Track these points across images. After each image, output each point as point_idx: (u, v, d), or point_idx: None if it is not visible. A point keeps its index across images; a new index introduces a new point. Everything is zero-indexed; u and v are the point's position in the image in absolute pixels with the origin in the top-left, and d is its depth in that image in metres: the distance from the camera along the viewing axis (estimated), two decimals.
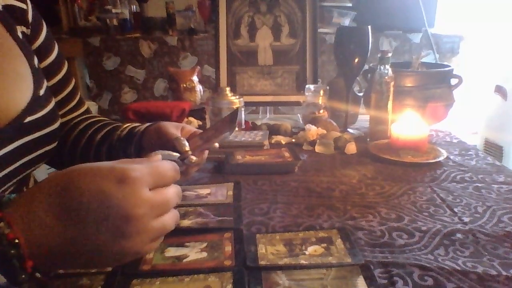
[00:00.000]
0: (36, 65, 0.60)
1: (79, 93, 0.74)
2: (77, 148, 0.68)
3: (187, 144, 0.52)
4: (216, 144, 0.61)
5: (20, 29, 0.59)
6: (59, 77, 0.67)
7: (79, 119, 0.72)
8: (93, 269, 0.48)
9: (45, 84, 0.61)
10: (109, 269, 0.49)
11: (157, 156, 0.42)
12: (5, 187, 0.53)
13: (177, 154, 0.49)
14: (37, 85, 0.57)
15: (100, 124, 0.70)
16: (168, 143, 0.57)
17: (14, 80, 0.54)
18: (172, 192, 0.39)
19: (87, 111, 0.76)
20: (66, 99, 0.70)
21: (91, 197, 0.33)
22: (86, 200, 0.33)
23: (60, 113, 0.67)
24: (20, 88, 0.55)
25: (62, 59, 0.69)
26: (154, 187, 0.37)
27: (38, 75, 0.59)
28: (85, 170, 0.35)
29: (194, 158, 0.51)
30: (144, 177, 0.36)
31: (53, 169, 0.72)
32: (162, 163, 0.39)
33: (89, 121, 0.71)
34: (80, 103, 0.74)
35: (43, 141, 0.57)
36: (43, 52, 0.64)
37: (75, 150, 0.68)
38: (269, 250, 0.52)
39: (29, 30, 0.61)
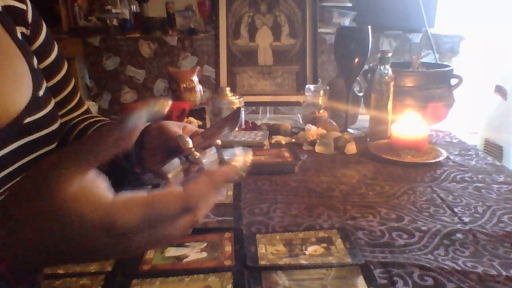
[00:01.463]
0: (35, 66, 0.60)
1: (79, 94, 0.74)
2: None
3: (190, 141, 0.52)
4: (218, 141, 0.61)
5: (19, 30, 0.59)
6: (59, 78, 0.67)
7: (79, 119, 0.72)
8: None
9: (45, 84, 0.61)
10: (109, 269, 0.49)
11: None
12: (5, 188, 0.53)
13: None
14: (36, 86, 0.57)
15: (100, 124, 0.70)
16: (169, 141, 0.56)
17: (13, 81, 0.54)
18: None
19: (87, 111, 0.76)
20: (66, 100, 0.70)
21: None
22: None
23: (60, 113, 0.67)
24: (19, 89, 0.54)
25: (62, 60, 0.69)
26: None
27: (37, 75, 0.59)
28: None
29: (197, 154, 0.51)
30: None
31: None
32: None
33: (89, 121, 0.71)
34: (80, 103, 0.74)
35: (43, 142, 0.57)
36: (42, 53, 0.64)
37: None
38: (269, 250, 0.52)
39: (28, 31, 0.61)
